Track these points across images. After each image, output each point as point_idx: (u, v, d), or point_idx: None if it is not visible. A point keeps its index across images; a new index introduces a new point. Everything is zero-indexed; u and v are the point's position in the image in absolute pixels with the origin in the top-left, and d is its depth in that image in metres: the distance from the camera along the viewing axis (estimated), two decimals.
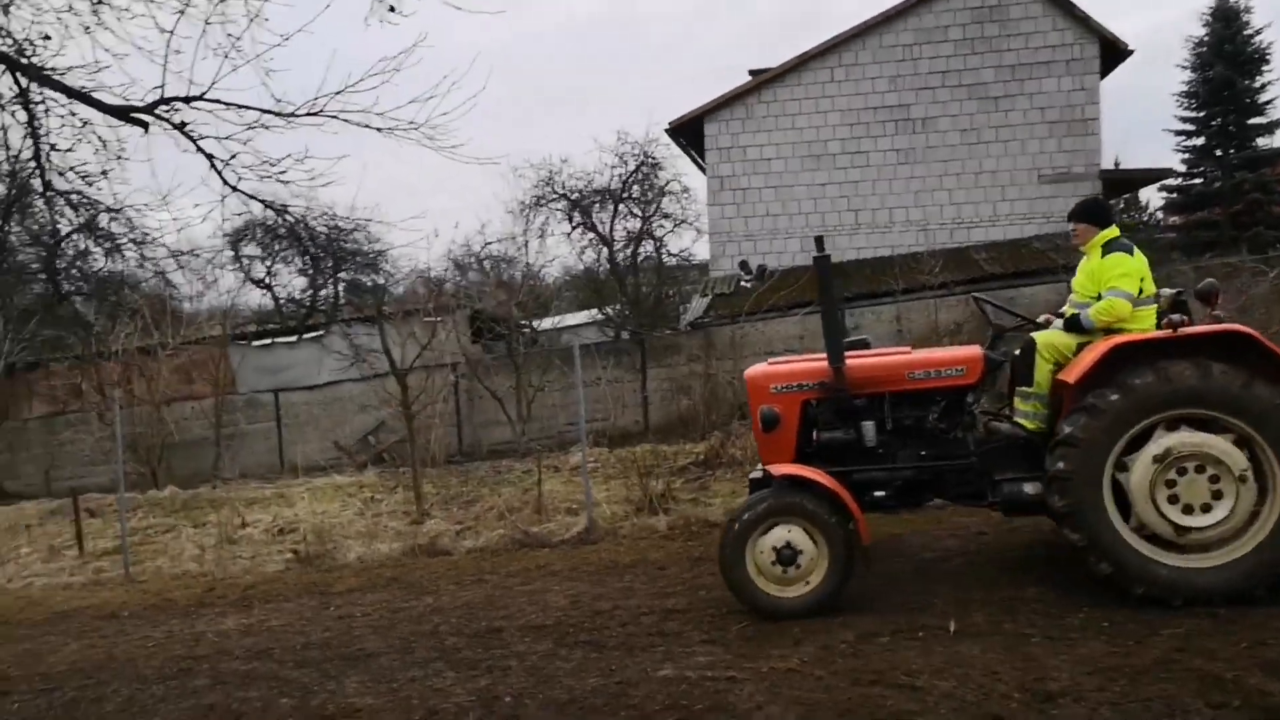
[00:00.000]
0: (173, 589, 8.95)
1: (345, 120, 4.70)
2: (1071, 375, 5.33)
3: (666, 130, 19.04)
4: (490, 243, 23.86)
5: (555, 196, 28.40)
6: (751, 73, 20.58)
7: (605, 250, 29.43)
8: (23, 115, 4.34)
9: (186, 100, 4.27)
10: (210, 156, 4.45)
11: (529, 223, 27.65)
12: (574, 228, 29.31)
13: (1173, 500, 5.05)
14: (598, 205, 29.27)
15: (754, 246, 18.27)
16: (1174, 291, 5.81)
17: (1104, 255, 5.68)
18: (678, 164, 32.72)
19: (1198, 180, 28.02)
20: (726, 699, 4.63)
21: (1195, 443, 5.01)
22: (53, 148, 4.38)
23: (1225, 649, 4.55)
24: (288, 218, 4.65)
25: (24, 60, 4.09)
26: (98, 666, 6.76)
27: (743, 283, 17.70)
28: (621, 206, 28.84)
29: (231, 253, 27.15)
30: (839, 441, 6.08)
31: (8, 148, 4.88)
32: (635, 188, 28.06)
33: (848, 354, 6.12)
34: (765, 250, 18.18)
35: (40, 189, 4.61)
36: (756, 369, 6.52)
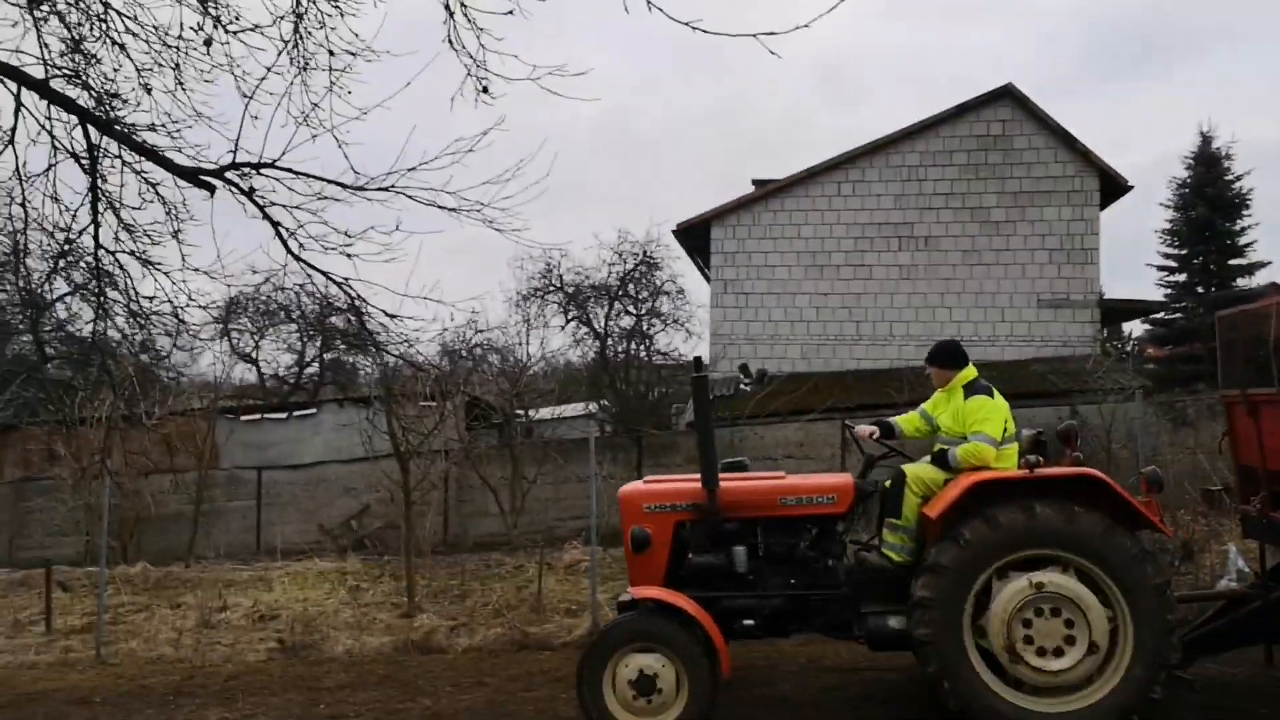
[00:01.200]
0: (148, 674, 8.39)
1: (412, 197, 4.60)
2: (934, 510, 5.42)
3: (674, 232, 19.30)
4: (483, 330, 23.87)
5: (553, 289, 28.71)
6: (755, 182, 21.07)
7: (598, 344, 29.62)
8: (86, 172, 4.22)
9: (257, 167, 4.17)
10: (276, 224, 4.33)
11: (526, 313, 27.86)
12: (569, 320, 29.51)
13: (1028, 640, 5.09)
14: (593, 300, 29.57)
15: (754, 350, 18.31)
16: (1034, 432, 5.96)
17: (966, 397, 5.80)
18: (675, 265, 33.29)
19: (1178, 315, 28.68)
20: None
21: (1065, 587, 5.08)
22: (112, 206, 4.24)
23: None
24: (349, 290, 4.47)
25: (100, 115, 4.00)
26: None
27: (742, 386, 17.66)
28: (617, 304, 29.17)
29: (220, 326, 26.90)
30: (709, 566, 5.95)
31: (55, 201, 4.74)
32: (631, 285, 28.46)
33: (734, 476, 6.18)
34: (766, 355, 18.21)
35: (92, 248, 4.44)
36: (632, 486, 6.43)
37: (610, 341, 29.67)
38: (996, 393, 5.82)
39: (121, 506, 15.04)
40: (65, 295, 23.38)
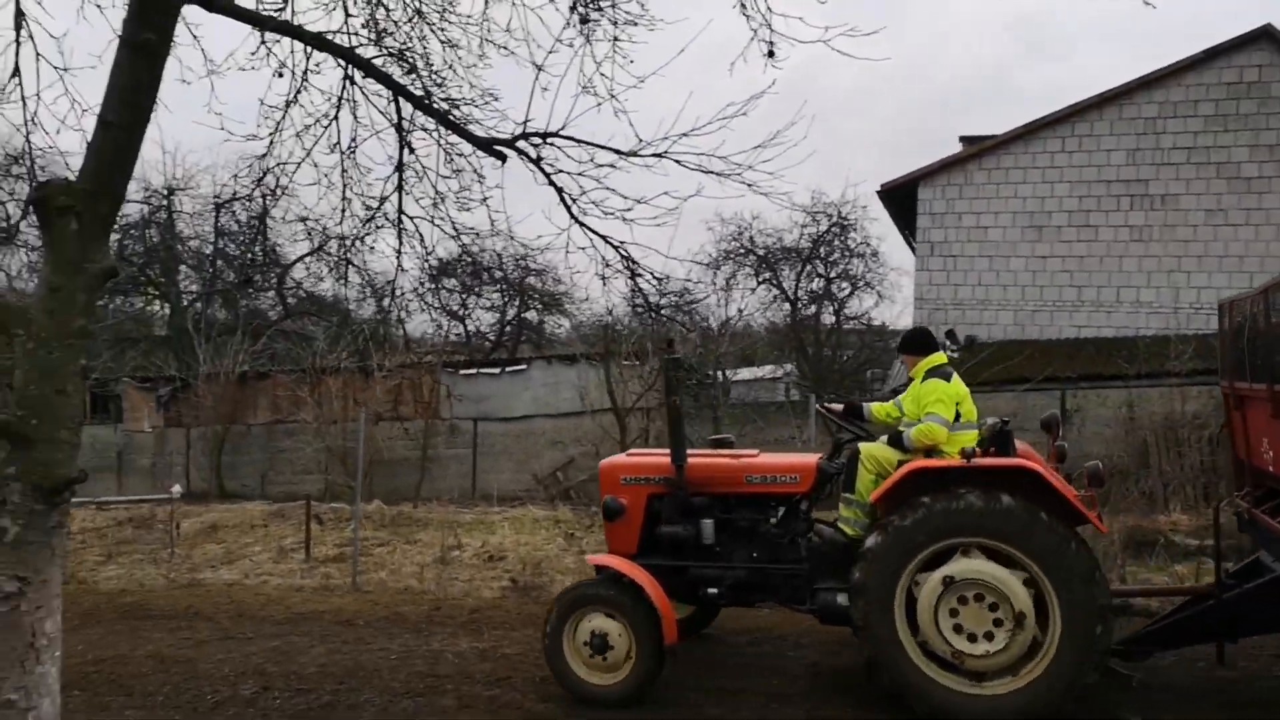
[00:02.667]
0: (399, 603, 9.22)
1: (680, 163, 4.72)
2: (875, 494, 5.66)
3: (878, 193, 18.72)
4: (675, 293, 24.15)
5: (745, 251, 28.64)
6: (964, 140, 20.02)
7: (789, 307, 29.35)
8: (394, 143, 4.66)
9: (544, 136, 4.43)
10: (560, 190, 4.59)
11: (717, 274, 27.98)
12: (760, 283, 29.39)
13: (956, 627, 5.26)
14: (784, 262, 29.27)
15: (962, 315, 17.55)
16: (996, 420, 5.97)
17: (924, 381, 5.95)
18: (869, 228, 32.36)
19: None
20: None
21: (981, 571, 5.21)
22: (425, 175, 4.67)
23: None
24: (622, 251, 4.69)
25: (413, 91, 4.38)
26: (347, 673, 7.00)
27: (949, 353, 17.02)
28: (809, 267, 28.73)
29: (433, 285, 28.64)
30: (678, 537, 6.32)
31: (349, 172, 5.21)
32: (823, 248, 27.94)
33: (704, 453, 6.67)
34: (974, 321, 17.43)
35: (396, 216, 4.89)
36: (612, 459, 6.94)
37: (800, 305, 29.37)
38: (956, 378, 5.94)
39: (357, 449, 16.47)
40: (305, 256, 25.70)
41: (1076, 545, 5.23)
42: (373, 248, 5.69)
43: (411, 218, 4.93)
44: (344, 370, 17.31)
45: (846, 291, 27.95)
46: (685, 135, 4.58)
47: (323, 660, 7.37)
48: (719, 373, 18.56)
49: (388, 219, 4.97)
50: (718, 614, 7.49)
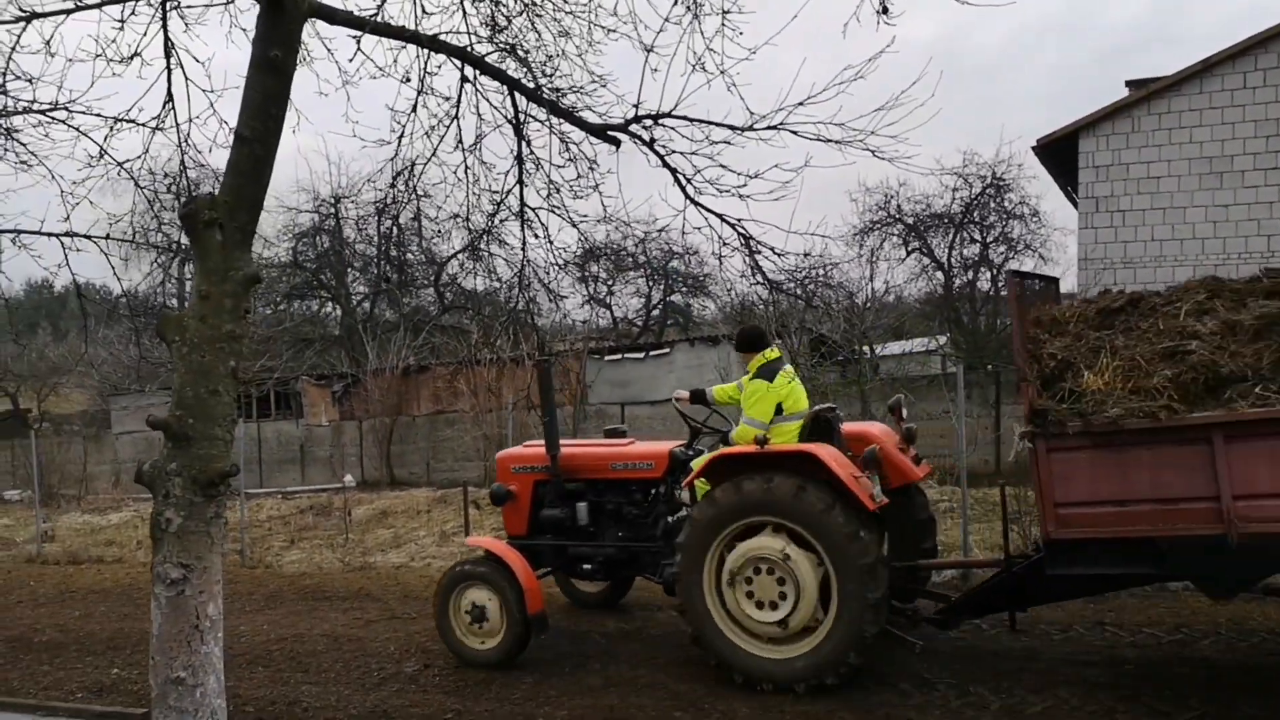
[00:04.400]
0: (548, 584, 9.47)
1: (796, 133, 4.59)
2: (685, 482, 6.41)
3: (1034, 148, 17.59)
4: (796, 268, 23.60)
5: (892, 220, 27.64)
6: (1130, 84, 18.49)
7: (941, 276, 28.13)
8: (512, 137, 4.76)
9: (656, 117, 4.41)
10: (674, 171, 4.57)
11: (862, 247, 27.16)
12: (909, 253, 28.31)
13: (749, 594, 5.80)
14: (935, 229, 28.06)
15: (1133, 275, 16.26)
16: (821, 407, 6.45)
17: (752, 379, 6.35)
18: (1027, 187, 30.53)
19: None
20: None
21: (768, 547, 5.70)
22: (539, 165, 4.76)
23: None
24: (742, 230, 4.61)
25: (526, 84, 4.47)
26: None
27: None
28: (962, 232, 27.42)
29: (579, 272, 29.21)
30: (556, 519, 7.17)
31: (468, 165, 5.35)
32: (977, 211, 26.57)
33: (580, 443, 7.73)
34: (1148, 280, 16.10)
35: (518, 208, 5.01)
36: (506, 451, 7.93)
37: (953, 273, 28.09)
38: (780, 376, 6.28)
39: (510, 436, 17.08)
40: (456, 254, 26.79)
41: (846, 520, 5.53)
42: (503, 241, 5.82)
43: (533, 209, 5.04)
44: (495, 360, 17.93)
45: (1004, 256, 26.52)
46: (801, 104, 4.44)
47: None
48: (866, 348, 18.02)
49: (511, 211, 5.09)
50: (629, 587, 8.30)
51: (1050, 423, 4.88)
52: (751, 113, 4.33)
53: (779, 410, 6.23)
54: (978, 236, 26.80)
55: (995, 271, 26.62)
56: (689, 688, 6.15)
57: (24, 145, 5.29)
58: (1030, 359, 5.28)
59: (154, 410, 3.92)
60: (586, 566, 7.27)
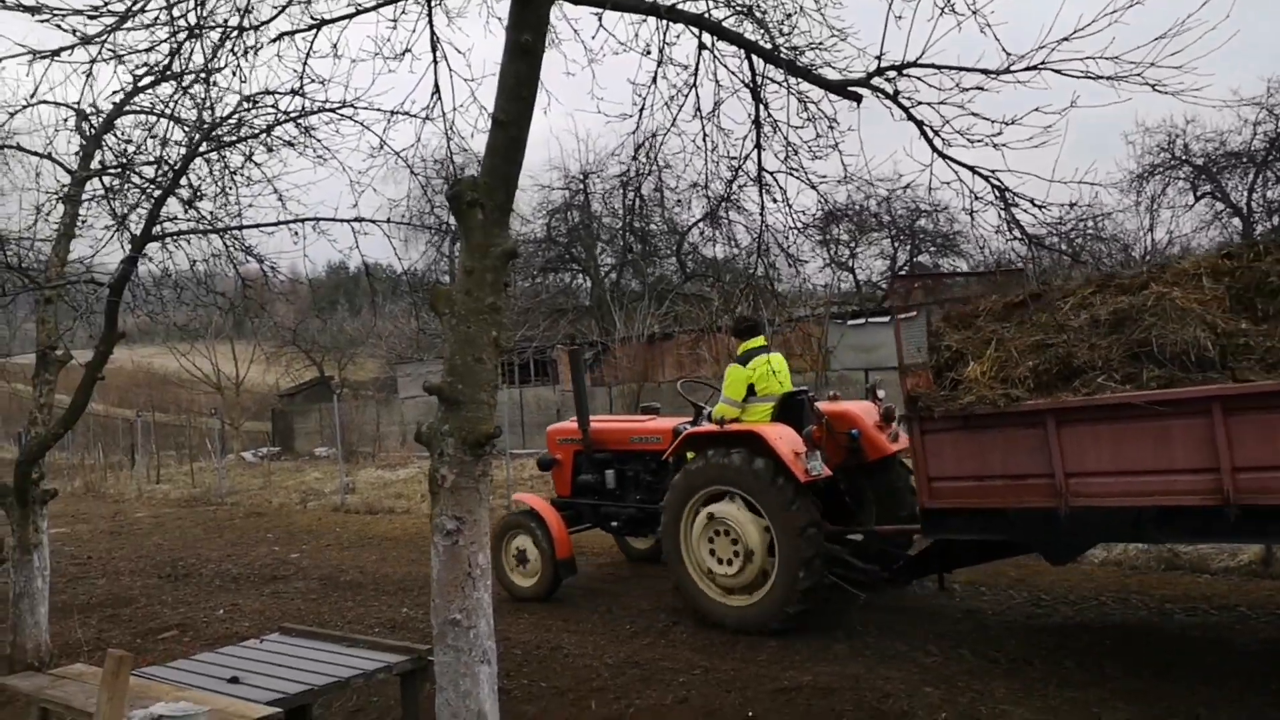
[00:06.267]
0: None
1: (1060, 72, 4.18)
2: (666, 454, 7.60)
3: None
4: (1084, 219, 21.51)
5: (1176, 162, 24.66)
6: None
7: (1239, 223, 24.76)
8: (750, 102, 4.74)
9: (900, 68, 4.19)
10: (920, 123, 4.33)
11: (1140, 194, 24.47)
12: (1198, 198, 25.15)
13: (711, 551, 6.91)
14: (1231, 170, 24.70)
15: None
16: (793, 391, 7.27)
17: (733, 362, 7.32)
18: None
19: None
20: None
21: (726, 513, 6.79)
22: (775, 128, 4.71)
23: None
24: (993, 181, 4.29)
25: (763, 45, 4.42)
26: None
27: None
28: (1267, 172, 23.93)
29: (820, 235, 28.60)
30: (590, 483, 8.48)
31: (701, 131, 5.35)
32: None
33: (609, 419, 9.28)
34: None
35: (756, 173, 4.99)
36: (555, 425, 9.27)
37: (1254, 218, 24.61)
38: (755, 361, 7.14)
39: None
40: (697, 223, 27.16)
41: (785, 491, 6.47)
42: (741, 207, 5.82)
43: (771, 173, 4.97)
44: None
45: None
46: (1066, 40, 4.04)
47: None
48: None
49: (749, 176, 5.05)
50: None
51: (921, 408, 5.57)
52: (1008, 53, 3.99)
53: (752, 391, 7.11)
54: None
55: None
56: (941, 662, 5.95)
57: (319, 141, 5.98)
58: (931, 350, 6.06)
59: (430, 377, 4.33)
60: (614, 524, 8.47)
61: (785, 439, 6.60)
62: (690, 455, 7.31)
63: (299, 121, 5.80)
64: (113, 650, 4.13)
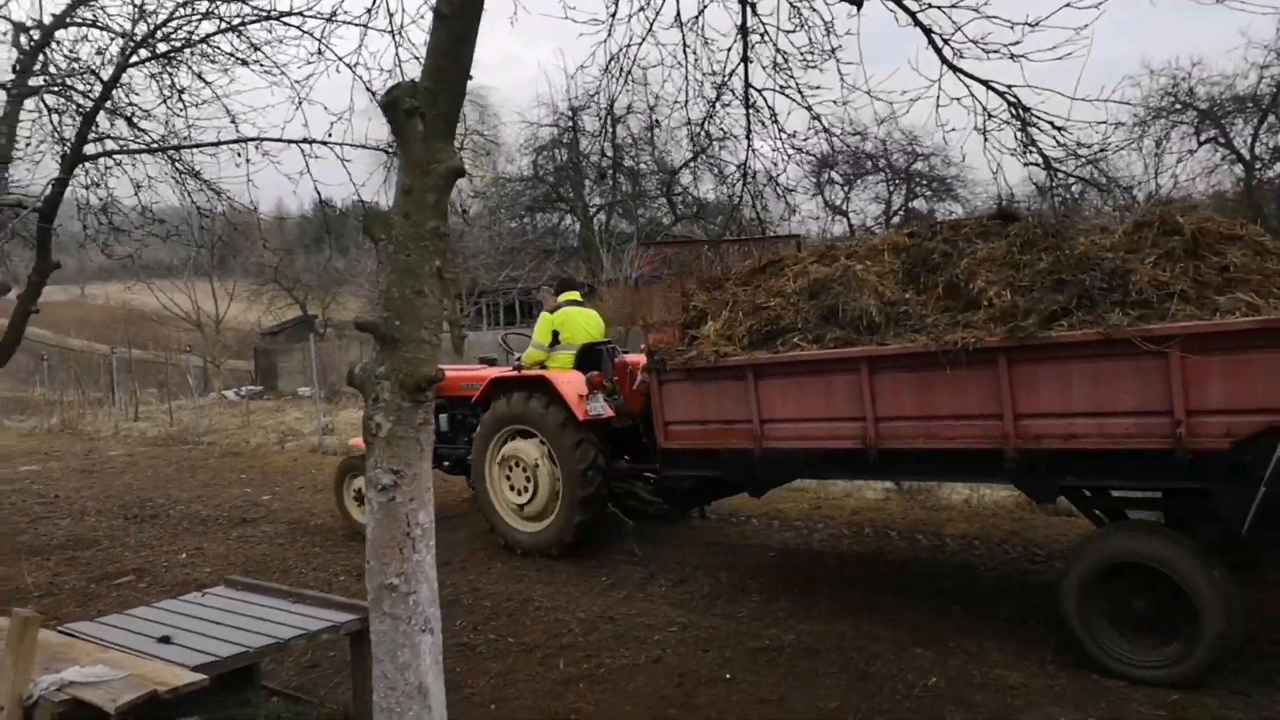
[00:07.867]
0: (781, 499, 9.15)
1: None
2: (475, 399, 8.17)
3: None
4: (1085, 146, 20.91)
5: (1181, 105, 23.97)
6: None
7: (1241, 170, 24.22)
8: (736, 8, 4.20)
9: None
10: (928, 31, 3.83)
11: (1143, 138, 23.83)
12: (1202, 143, 24.53)
13: (509, 483, 7.77)
14: (1236, 115, 24.04)
15: None
16: (595, 342, 8.13)
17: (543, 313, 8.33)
18: None
19: None
20: None
21: (520, 449, 7.63)
22: (764, 37, 4.18)
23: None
24: (1009, 96, 3.80)
25: None
26: (724, 566, 7.09)
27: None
28: (1271, 117, 23.30)
29: (814, 181, 27.96)
30: (438, 428, 8.42)
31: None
32: None
33: (453, 367, 8.97)
34: None
35: (742, 91, 4.47)
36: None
37: (1258, 166, 24.06)
38: (564, 311, 8.07)
39: None
40: (687, 164, 26.43)
41: (569, 433, 7.16)
42: (726, 134, 5.30)
43: (759, 90, 4.46)
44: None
45: None
46: None
47: (702, 554, 7.55)
48: None
49: (735, 95, 4.54)
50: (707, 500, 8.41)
51: (657, 361, 6.24)
52: None
53: (557, 339, 7.92)
54: None
55: None
56: (928, 618, 5.64)
57: (266, 55, 5.43)
58: (682, 310, 6.62)
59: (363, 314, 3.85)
60: (445, 464, 8.81)
61: (572, 383, 7.29)
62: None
63: (240, 30, 5.25)
64: (18, 610, 3.74)
